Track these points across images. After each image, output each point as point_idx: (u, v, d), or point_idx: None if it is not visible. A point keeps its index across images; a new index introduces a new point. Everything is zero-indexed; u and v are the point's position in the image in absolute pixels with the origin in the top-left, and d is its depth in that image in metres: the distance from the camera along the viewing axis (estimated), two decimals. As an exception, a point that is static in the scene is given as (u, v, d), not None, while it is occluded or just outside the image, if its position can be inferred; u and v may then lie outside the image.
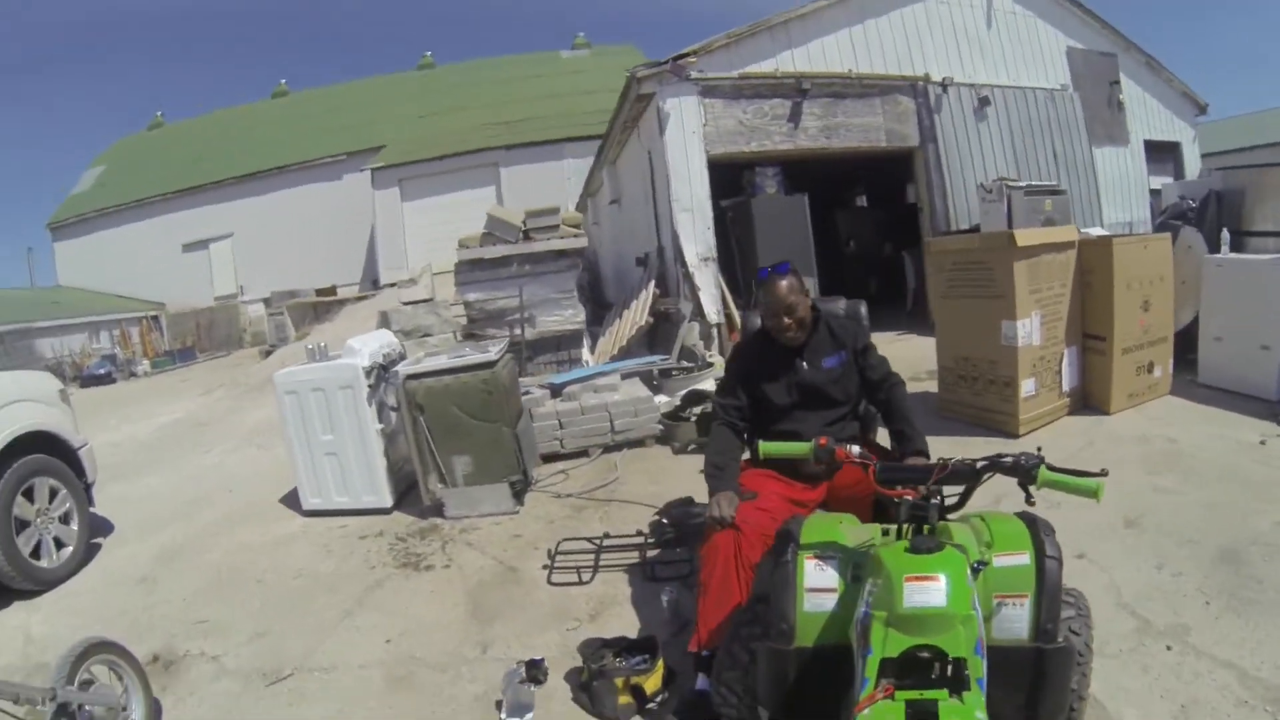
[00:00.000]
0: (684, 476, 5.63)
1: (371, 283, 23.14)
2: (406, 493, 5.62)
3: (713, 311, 8.17)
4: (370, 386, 5.29)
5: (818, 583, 2.33)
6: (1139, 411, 6.10)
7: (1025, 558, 2.22)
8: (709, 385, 6.93)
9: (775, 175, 9.16)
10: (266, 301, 22.45)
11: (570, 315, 7.63)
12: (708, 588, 3.16)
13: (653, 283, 8.19)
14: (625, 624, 3.91)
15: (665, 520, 4.79)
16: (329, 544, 5.08)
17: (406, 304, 8.25)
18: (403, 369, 5.23)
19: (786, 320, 3.39)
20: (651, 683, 3.27)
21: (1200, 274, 6.26)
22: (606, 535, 4.69)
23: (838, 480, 3.48)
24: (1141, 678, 2.94)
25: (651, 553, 4.54)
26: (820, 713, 2.29)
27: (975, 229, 8.89)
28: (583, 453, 6.08)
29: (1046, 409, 5.99)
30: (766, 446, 2.75)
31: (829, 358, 3.50)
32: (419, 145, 24.01)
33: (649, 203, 9.23)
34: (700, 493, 5.10)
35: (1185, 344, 6.49)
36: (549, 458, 6.02)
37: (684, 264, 8.20)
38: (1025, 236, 5.73)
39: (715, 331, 8.14)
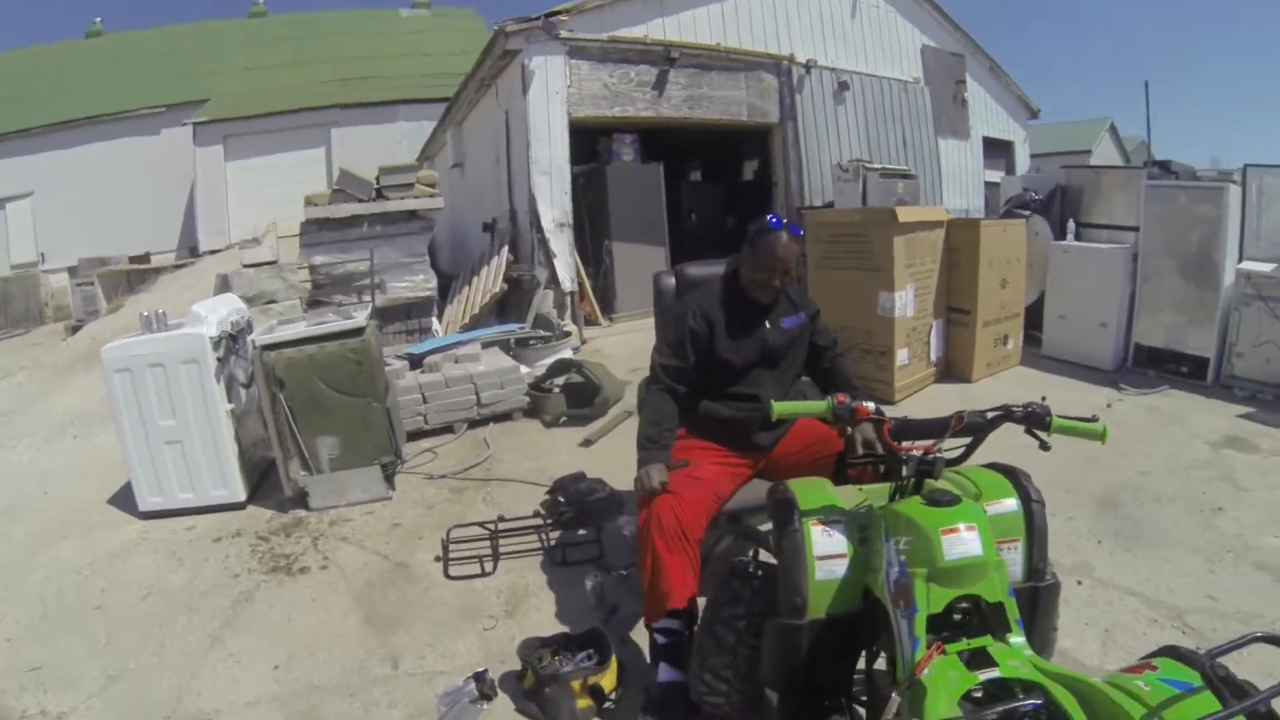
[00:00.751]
0: (561, 451, 5.12)
1: (189, 250, 20.02)
2: (261, 483, 4.70)
3: (567, 279, 7.59)
4: (219, 360, 4.32)
5: (827, 549, 2.13)
6: (996, 379, 6.43)
7: (1013, 504, 2.20)
8: (567, 354, 6.38)
9: (633, 143, 8.70)
10: (72, 270, 17.88)
11: (421, 281, 6.75)
12: (655, 561, 2.78)
13: (505, 248, 7.49)
14: (545, 616, 3.40)
15: (561, 499, 4.24)
16: (177, 551, 4.07)
17: (249, 266, 7.04)
18: (257, 339, 4.30)
19: (779, 279, 3.05)
20: (608, 680, 2.84)
21: (1047, 258, 6.81)
22: (501, 519, 4.06)
23: (780, 449, 3.24)
24: (1065, 611, 2.79)
25: (553, 535, 4.01)
26: (831, 685, 2.22)
27: (829, 205, 8.89)
28: (448, 428, 5.38)
29: (917, 377, 6.13)
30: (781, 407, 2.32)
31: (788, 318, 3.21)
32: (247, 100, 20.54)
33: (500, 165, 8.50)
34: (588, 466, 4.70)
35: (1030, 320, 6.97)
36: (413, 435, 5.27)
37: (540, 229, 7.56)
38: (905, 213, 5.88)
39: (569, 300, 7.56)
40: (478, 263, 7.78)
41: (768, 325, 3.15)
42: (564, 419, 5.59)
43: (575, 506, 4.19)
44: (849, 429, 2.86)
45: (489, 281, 7.09)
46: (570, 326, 7.02)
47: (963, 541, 1.84)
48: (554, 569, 3.75)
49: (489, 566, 3.71)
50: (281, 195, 8.92)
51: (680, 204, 10.84)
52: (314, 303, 6.38)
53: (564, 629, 3.30)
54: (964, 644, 1.79)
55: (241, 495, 4.41)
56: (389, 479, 4.44)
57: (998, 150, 13.70)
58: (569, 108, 8.09)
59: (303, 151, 19.21)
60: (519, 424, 5.58)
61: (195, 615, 3.45)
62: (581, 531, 4.06)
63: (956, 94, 12.37)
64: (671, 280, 3.74)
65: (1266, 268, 5.66)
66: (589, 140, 8.59)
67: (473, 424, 5.45)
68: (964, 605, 1.86)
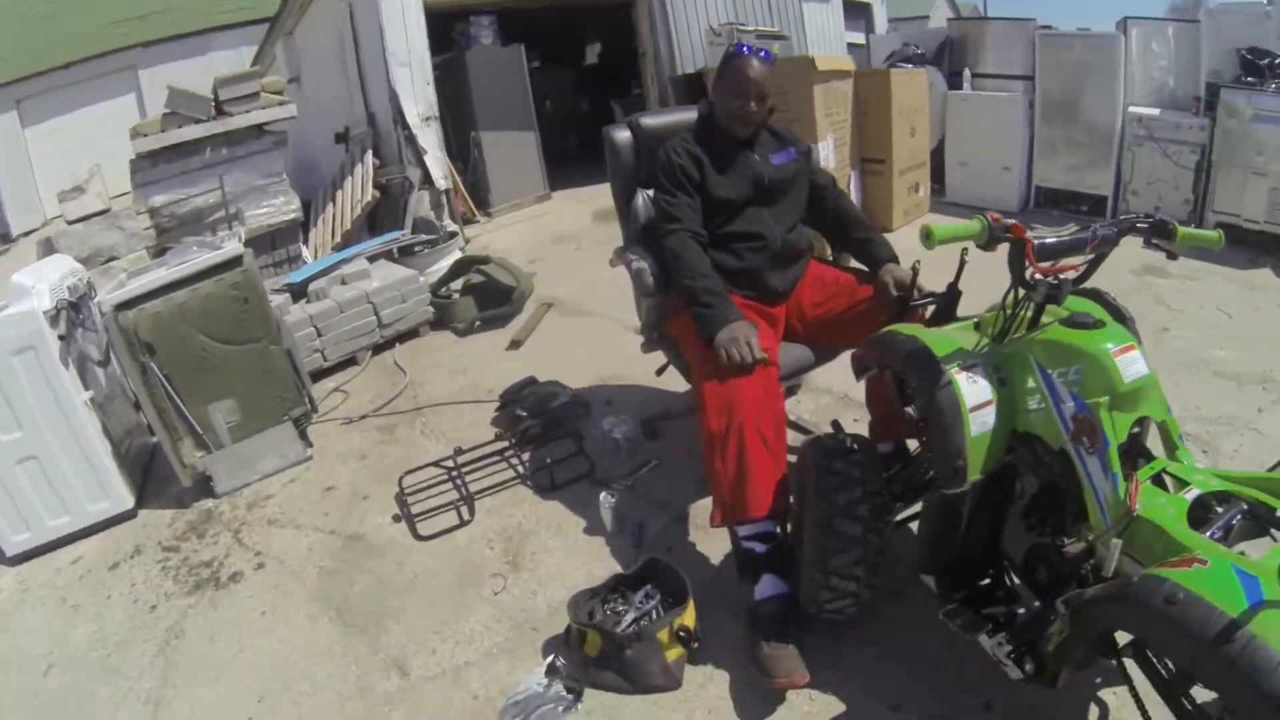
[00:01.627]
0: (489, 359, 4.22)
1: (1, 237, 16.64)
2: (148, 480, 3.47)
3: (441, 177, 6.41)
4: (61, 338, 3.04)
5: (976, 399, 1.76)
6: (913, 228, 6.08)
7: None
8: (456, 256, 5.37)
9: (491, 25, 7.29)
10: None
11: (283, 204, 5.40)
12: (747, 457, 2.17)
13: (369, 153, 6.24)
14: (561, 557, 2.66)
15: (521, 412, 3.38)
16: (69, 597, 2.85)
17: (75, 221, 5.41)
18: (106, 300, 3.03)
19: (754, 106, 2.58)
20: (690, 617, 2.18)
21: (944, 107, 6.72)
22: (459, 450, 3.19)
23: (809, 304, 2.72)
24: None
25: (524, 456, 3.21)
26: (983, 556, 1.94)
27: (702, 72, 7.91)
28: (351, 360, 4.33)
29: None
30: (941, 231, 1.72)
31: (778, 154, 2.73)
32: (37, 54, 17.33)
33: (348, 67, 7.03)
34: (527, 370, 3.83)
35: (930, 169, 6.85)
36: (313, 377, 4.10)
37: (405, 126, 6.29)
38: (822, 61, 5.59)
39: (445, 199, 6.44)
40: (337, 177, 6.48)
41: (757, 159, 2.67)
42: (478, 324, 4.65)
43: (539, 418, 3.38)
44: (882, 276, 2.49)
45: (357, 191, 5.87)
46: (454, 226, 5.98)
47: (1134, 361, 1.62)
48: (543, 497, 2.96)
49: (465, 513, 2.87)
50: (96, 155, 7.27)
51: (533, 92, 9.78)
52: (161, 251, 4.99)
53: (593, 568, 2.56)
54: (1147, 469, 1.63)
55: (129, 501, 3.20)
56: (304, 435, 3.45)
57: (856, 12, 12.93)
58: (423, -12, 6.73)
59: (109, 103, 15.67)
60: (429, 339, 4.60)
61: (119, 679, 2.38)
62: (556, 445, 3.25)
63: None
64: (626, 134, 2.97)
65: (1154, 111, 5.86)
66: (442, 28, 7.18)
67: (377, 349, 4.43)
68: (1135, 431, 1.69)
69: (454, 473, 3.09)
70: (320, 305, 4.13)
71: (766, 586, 2.18)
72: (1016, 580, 1.93)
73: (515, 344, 4.38)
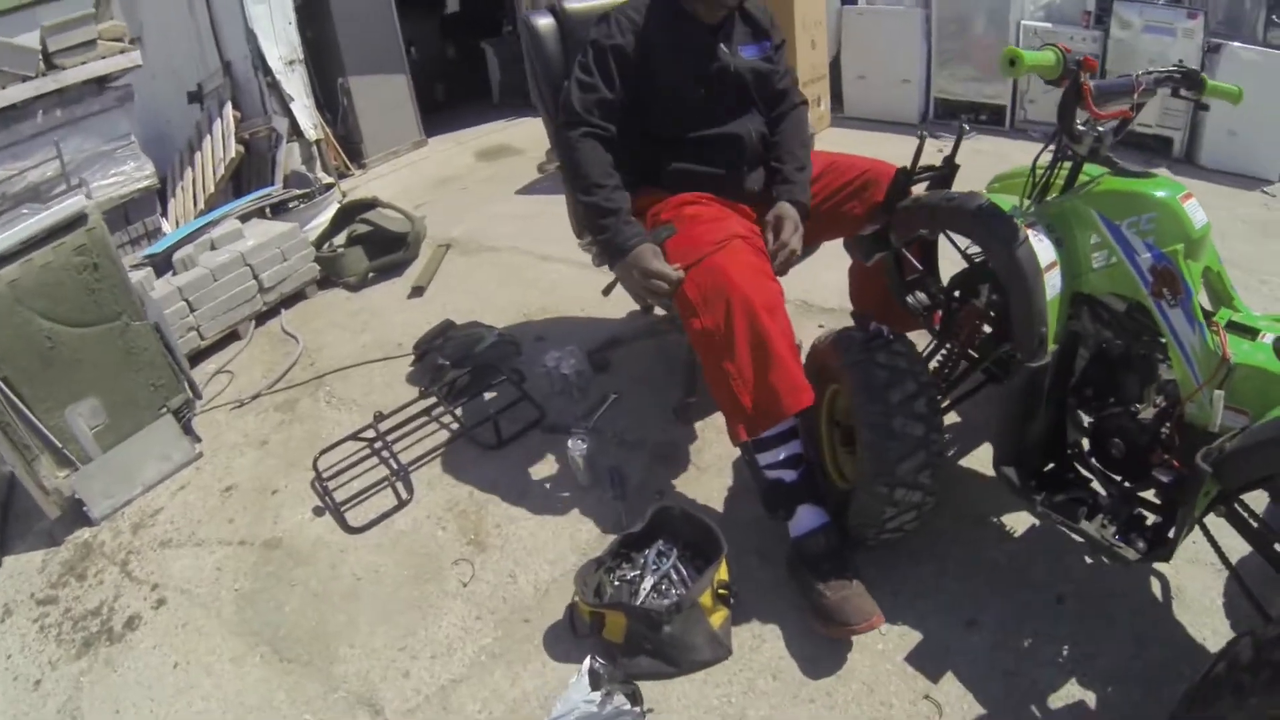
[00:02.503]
0: (391, 311, 3.55)
1: None
2: (7, 519, 2.57)
3: (310, 126, 5.47)
4: None
5: (1045, 259, 1.53)
6: (819, 139, 5.49)
7: None
8: (333, 210, 4.59)
9: None
10: None
11: (134, 171, 4.34)
12: (753, 334, 1.69)
13: (228, 106, 5.23)
14: (532, 526, 2.12)
15: (444, 361, 2.78)
16: None
17: None
18: None
19: None
20: (724, 570, 1.74)
21: (840, 22, 6.39)
22: (379, 415, 2.57)
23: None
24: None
25: (458, 411, 2.61)
26: (1054, 440, 1.68)
27: None
28: (232, 335, 3.50)
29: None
30: (1031, 56, 1.49)
31: (748, 46, 2.16)
32: None
33: (196, 13, 5.90)
34: (436, 317, 3.23)
35: (823, 84, 6.77)
36: (191, 360, 3.23)
37: (267, 72, 5.26)
38: None
39: (317, 151, 5.53)
40: (194, 139, 5.44)
41: (724, 49, 2.08)
42: (371, 275, 3.93)
43: (468, 362, 2.79)
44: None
45: (219, 150, 4.89)
46: (329, 179, 5.14)
47: (1197, 208, 1.46)
48: (491, 456, 2.41)
49: (401, 490, 2.27)
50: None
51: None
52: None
53: (576, 531, 2.06)
54: (1221, 319, 1.48)
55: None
56: (189, 428, 2.72)
57: None
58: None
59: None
60: (317, 300, 3.83)
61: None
62: (493, 394, 2.69)
63: None
64: (549, 20, 2.39)
65: (1048, 24, 5.78)
66: None
67: (261, 318, 3.64)
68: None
69: (378, 444, 2.48)
70: (190, 275, 3.32)
71: (806, 519, 1.78)
72: (1090, 462, 1.68)
73: (417, 290, 3.71)
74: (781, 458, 1.76)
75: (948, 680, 1.62)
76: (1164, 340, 1.47)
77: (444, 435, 2.52)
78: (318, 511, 2.27)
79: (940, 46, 6.15)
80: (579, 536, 2.05)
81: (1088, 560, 1.87)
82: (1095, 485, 1.66)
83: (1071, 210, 1.57)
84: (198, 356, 3.29)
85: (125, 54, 4.24)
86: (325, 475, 2.37)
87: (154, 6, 6.82)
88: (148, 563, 2.20)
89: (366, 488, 2.29)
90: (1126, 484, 1.60)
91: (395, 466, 2.36)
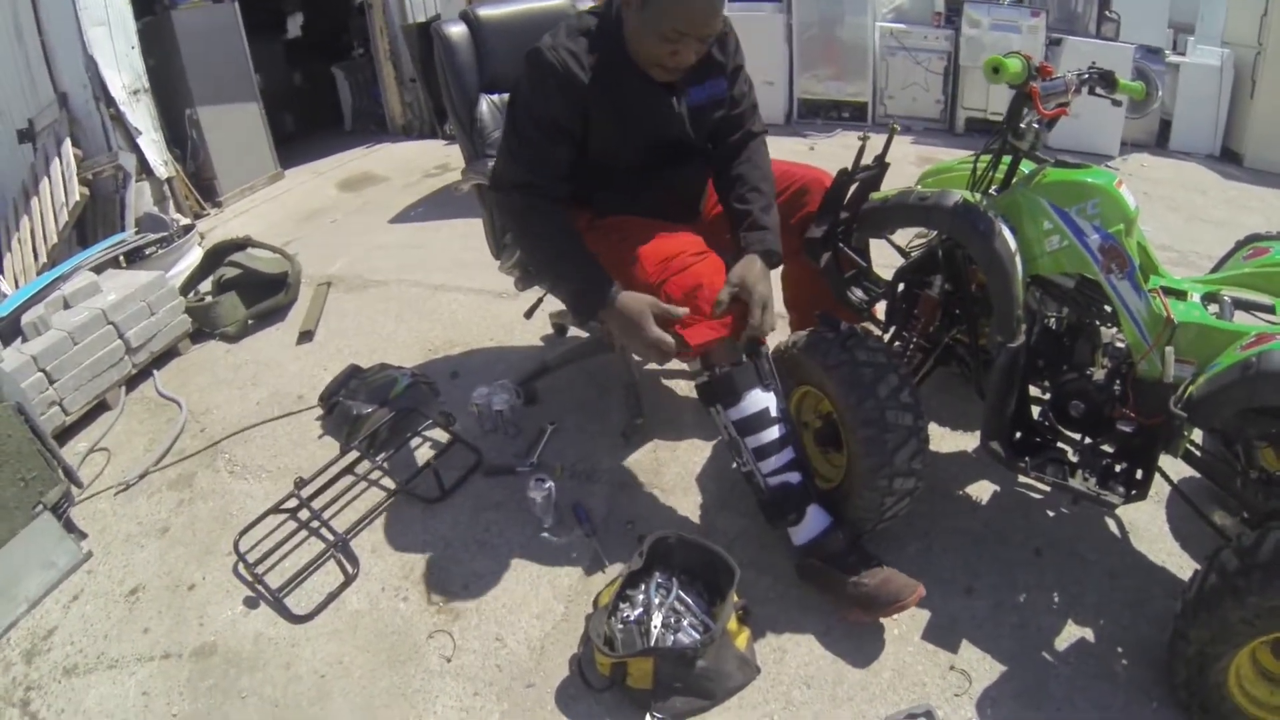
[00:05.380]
0: (282, 362, 3.14)
1: None
2: None
3: (159, 163, 4.79)
4: None
5: (1012, 245, 1.64)
6: None
7: None
8: (196, 254, 4.08)
9: None
10: None
11: None
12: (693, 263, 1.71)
13: (67, 144, 4.46)
14: (507, 585, 1.88)
15: (360, 410, 2.47)
16: None
17: None
18: None
19: (694, 50, 1.68)
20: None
21: None
22: (299, 482, 2.20)
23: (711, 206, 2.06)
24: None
25: (383, 463, 2.33)
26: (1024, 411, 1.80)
27: (436, 19, 6.63)
28: (100, 405, 2.95)
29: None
30: (1010, 64, 1.62)
31: (698, 86, 1.83)
32: None
33: (25, 38, 4.94)
34: (332, 363, 2.98)
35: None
36: (56, 439, 2.64)
37: (110, 103, 4.51)
38: None
39: (169, 189, 4.85)
40: (29, 184, 4.63)
41: (673, 102, 1.79)
42: (250, 323, 3.48)
43: (388, 412, 2.47)
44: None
45: (59, 194, 4.17)
46: (186, 220, 4.55)
47: (1129, 192, 1.60)
48: (436, 510, 2.14)
49: (347, 563, 1.96)
50: None
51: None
52: None
53: (555, 578, 1.86)
54: (1154, 285, 1.62)
55: None
56: (70, 525, 2.25)
57: None
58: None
59: None
60: (193, 355, 3.30)
61: None
62: (420, 441, 2.43)
63: None
64: (461, 29, 2.22)
65: (901, 25, 6.14)
66: None
67: (131, 383, 3.09)
68: None
69: (304, 515, 2.12)
70: (44, 340, 2.77)
71: (815, 520, 1.71)
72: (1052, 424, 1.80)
73: (306, 335, 3.30)
74: (785, 462, 1.66)
75: (966, 648, 1.67)
76: (1110, 309, 1.61)
77: (377, 494, 2.20)
78: (250, 603, 1.90)
79: (802, 49, 6.36)
80: (560, 583, 1.83)
81: (1050, 513, 1.99)
82: (1060, 445, 1.77)
83: (1023, 200, 1.66)
84: (63, 434, 2.75)
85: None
86: (250, 559, 1.99)
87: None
88: (54, 698, 1.75)
89: (303, 566, 1.96)
90: (1089, 440, 1.72)
91: (331, 537, 2.02)
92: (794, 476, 1.67)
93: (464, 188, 2.33)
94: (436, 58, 2.25)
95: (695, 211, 2.01)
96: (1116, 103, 1.96)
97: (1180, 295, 1.61)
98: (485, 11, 2.24)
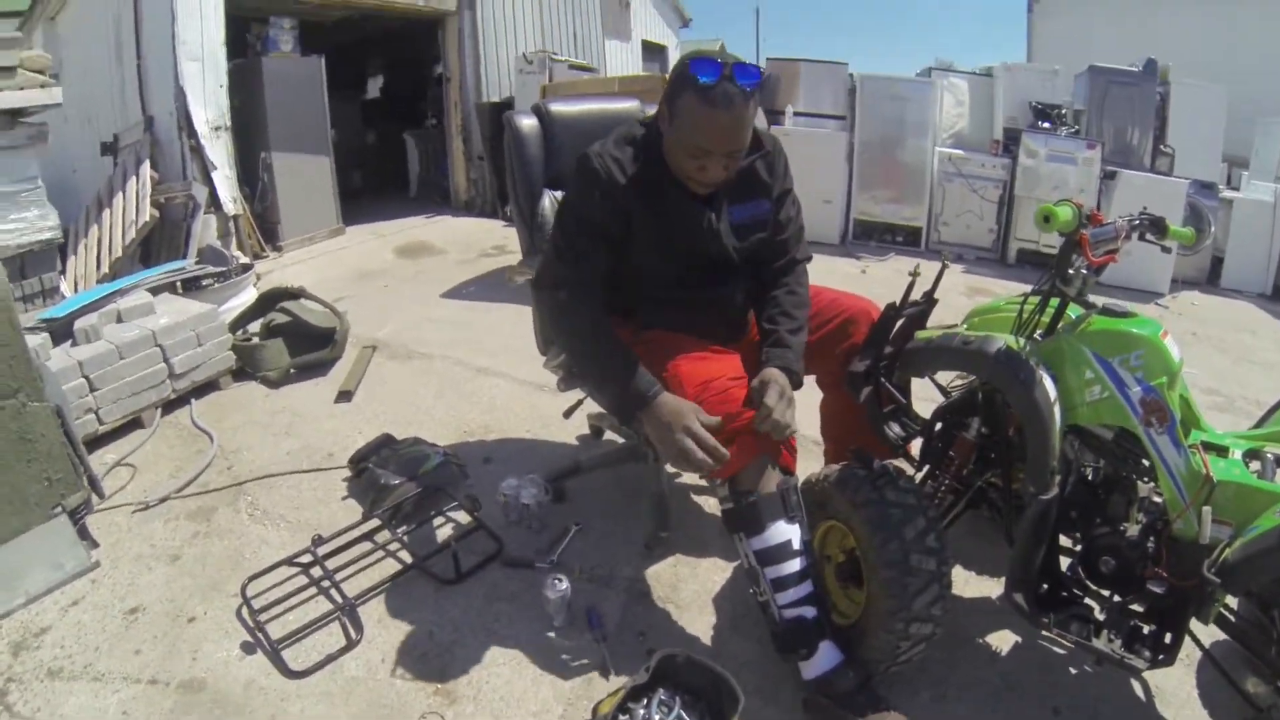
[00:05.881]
0: (318, 416, 3.27)
1: None
2: None
3: (230, 200, 5.09)
4: None
5: (1052, 395, 1.66)
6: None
7: None
8: (249, 294, 4.28)
9: (293, 30, 5.98)
10: None
11: (38, 219, 3.75)
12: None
13: (145, 165, 4.79)
14: (507, 675, 1.89)
15: (390, 480, 2.55)
16: None
17: None
18: None
19: (723, 166, 1.74)
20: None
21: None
22: (318, 540, 2.27)
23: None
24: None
25: (403, 536, 2.37)
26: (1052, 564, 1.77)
27: (509, 101, 7.34)
28: (134, 422, 3.09)
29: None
30: (1062, 213, 1.64)
31: (741, 206, 1.91)
32: None
33: (125, 61, 5.30)
34: (366, 426, 3.10)
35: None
36: (86, 445, 2.75)
37: (193, 134, 4.83)
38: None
39: (233, 225, 5.15)
40: (104, 195, 4.95)
41: (712, 218, 1.86)
42: (292, 371, 3.63)
43: (416, 487, 2.55)
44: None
45: (130, 211, 4.42)
46: (246, 258, 4.80)
47: (1174, 344, 1.64)
48: (449, 592, 2.17)
49: (351, 628, 1.99)
50: None
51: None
52: None
53: (558, 679, 1.87)
54: (1194, 440, 1.63)
55: None
56: (84, 532, 2.33)
57: (652, 53, 13.22)
58: (225, -24, 5.35)
59: None
60: (233, 392, 3.47)
61: None
62: (443, 517, 2.50)
63: None
64: (532, 122, 2.31)
65: (960, 151, 6.47)
66: (238, 29, 5.85)
67: (167, 407, 3.25)
68: None
69: (317, 572, 2.18)
70: (93, 349, 2.93)
71: (827, 656, 1.70)
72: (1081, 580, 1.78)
73: (345, 395, 3.44)
74: (802, 595, 1.67)
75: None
76: (1148, 463, 1.61)
77: (393, 565, 2.25)
78: (247, 648, 1.93)
79: (862, 169, 6.63)
80: (562, 685, 1.84)
81: (1072, 670, 1.95)
82: (1088, 601, 1.75)
83: (1067, 348, 1.69)
84: (94, 442, 2.89)
85: (46, 89, 3.85)
86: (256, 605, 2.04)
87: (80, 45, 6.40)
88: (33, 696, 1.79)
89: (307, 623, 1.99)
90: (1118, 598, 1.69)
91: (340, 599, 2.06)
92: (809, 611, 1.68)
93: (519, 279, 2.43)
94: (506, 147, 2.36)
95: (739, 332, 2.06)
96: (1166, 249, 2.03)
97: (1222, 451, 1.61)
98: (557, 107, 2.36)
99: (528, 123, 2.30)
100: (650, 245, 1.85)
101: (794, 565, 1.68)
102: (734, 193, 1.89)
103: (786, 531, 1.68)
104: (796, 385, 1.83)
